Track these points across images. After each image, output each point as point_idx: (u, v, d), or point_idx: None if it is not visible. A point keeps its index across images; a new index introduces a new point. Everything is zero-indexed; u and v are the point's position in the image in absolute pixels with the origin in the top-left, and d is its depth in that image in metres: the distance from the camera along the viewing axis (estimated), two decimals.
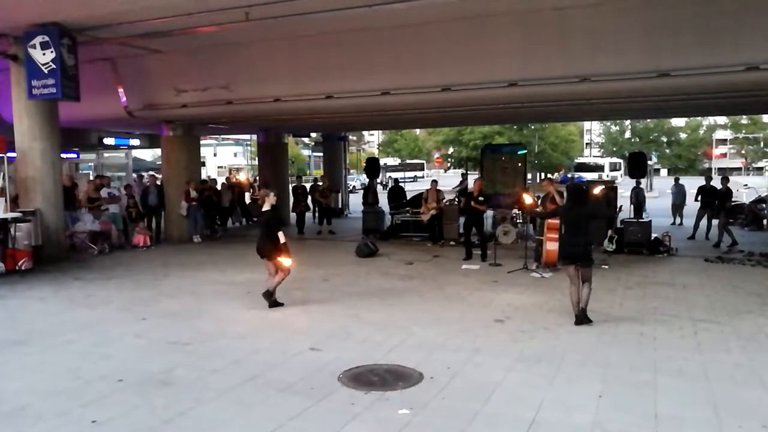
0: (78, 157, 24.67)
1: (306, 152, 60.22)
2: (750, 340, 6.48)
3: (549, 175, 27.56)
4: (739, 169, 65.39)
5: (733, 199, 16.33)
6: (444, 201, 14.87)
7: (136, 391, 5.15)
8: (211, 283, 9.86)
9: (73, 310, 8.18)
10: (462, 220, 13.11)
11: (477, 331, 6.91)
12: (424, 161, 64.85)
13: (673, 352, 6.09)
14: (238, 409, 4.78)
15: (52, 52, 10.84)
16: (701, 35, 9.60)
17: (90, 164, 27.03)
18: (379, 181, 26.29)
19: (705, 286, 9.30)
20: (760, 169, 60.06)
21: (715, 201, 14.38)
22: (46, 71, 10.99)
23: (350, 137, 33.97)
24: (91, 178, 17.93)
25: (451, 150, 52.48)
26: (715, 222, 14.41)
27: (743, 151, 65.41)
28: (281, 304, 8.12)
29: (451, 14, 10.51)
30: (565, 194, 15.59)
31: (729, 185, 14.76)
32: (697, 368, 5.62)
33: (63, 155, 14.99)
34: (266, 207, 8.14)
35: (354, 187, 28.56)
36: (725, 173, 26.34)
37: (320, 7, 9.47)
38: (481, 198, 12.10)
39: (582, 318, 7.17)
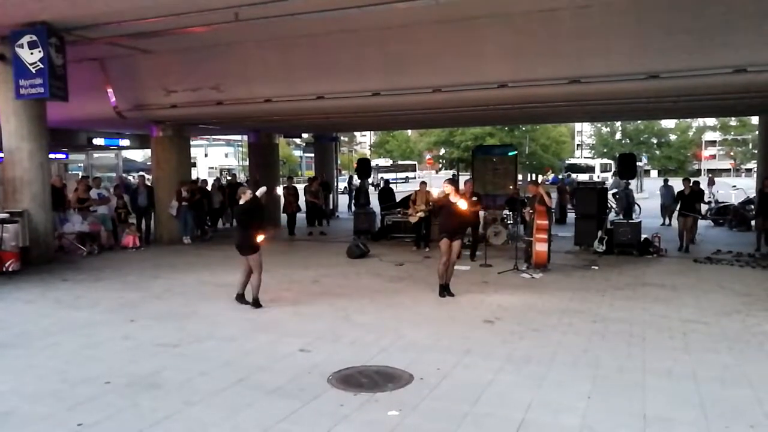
0: (67, 157, 24.50)
1: (297, 153, 60.08)
2: (737, 341, 6.52)
3: (535, 178, 27.72)
4: (729, 170, 65.93)
5: (707, 199, 16.38)
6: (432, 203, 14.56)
7: (124, 394, 5.10)
8: (200, 285, 9.80)
9: (61, 312, 8.10)
10: None
11: (467, 333, 6.90)
12: (415, 162, 64.83)
13: (662, 353, 6.12)
14: (226, 411, 4.75)
15: (39, 51, 10.74)
16: (690, 37, 9.66)
17: (79, 165, 26.86)
18: (370, 181, 26.31)
19: (694, 287, 9.34)
20: (749, 170, 60.57)
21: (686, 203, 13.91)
22: (33, 71, 10.88)
23: (342, 138, 33.95)
24: (80, 178, 17.76)
25: (442, 151, 52.55)
26: (703, 222, 14.42)
27: (732, 153, 65.95)
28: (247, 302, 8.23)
29: (441, 16, 10.52)
30: (554, 195, 15.55)
31: (699, 186, 14.46)
32: (685, 369, 5.64)
33: (51, 156, 14.86)
34: (242, 201, 8.17)
35: (345, 187, 28.49)
36: (714, 175, 26.67)
37: (310, 8, 9.45)
38: (474, 198, 12.12)
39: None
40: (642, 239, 12.84)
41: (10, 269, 10.54)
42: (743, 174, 62.33)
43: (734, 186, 25.19)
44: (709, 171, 59.63)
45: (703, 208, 16.15)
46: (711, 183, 24.90)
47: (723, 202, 20.26)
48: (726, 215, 18.45)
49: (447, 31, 11.00)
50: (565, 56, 10.48)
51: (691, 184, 13.98)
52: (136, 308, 8.24)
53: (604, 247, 12.66)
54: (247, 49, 12.54)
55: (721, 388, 5.19)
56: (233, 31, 10.78)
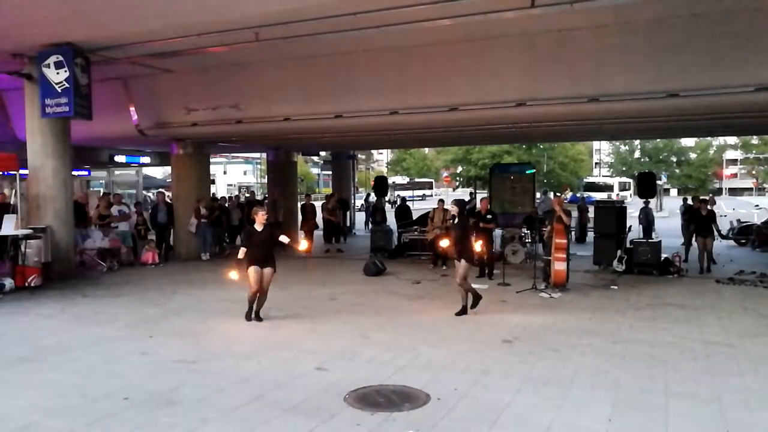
0: (89, 174, 24.88)
1: (315, 170, 60.51)
2: (763, 363, 6.37)
3: (558, 193, 27.58)
4: (750, 189, 65.02)
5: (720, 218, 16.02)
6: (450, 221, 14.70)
7: (142, 410, 5.12)
8: (218, 301, 9.85)
9: (81, 327, 8.18)
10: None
11: (485, 352, 6.84)
12: (432, 180, 64.88)
13: (684, 375, 6.01)
14: (243, 428, 4.74)
15: (65, 71, 10.98)
16: (710, 55, 9.60)
17: (101, 182, 27.24)
18: (387, 199, 26.36)
19: (716, 308, 9.19)
20: None
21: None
22: (59, 90, 11.12)
23: (359, 156, 34.13)
24: (101, 195, 18.02)
25: (459, 169, 52.59)
26: (721, 243, 13.99)
27: (754, 172, 65.07)
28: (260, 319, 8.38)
29: (459, 35, 10.59)
30: (573, 213, 15.45)
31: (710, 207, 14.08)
32: (709, 392, 5.53)
33: (74, 173, 15.12)
34: (258, 222, 8.50)
35: (362, 205, 28.61)
36: (736, 194, 26.15)
37: (329, 29, 9.56)
38: (489, 216, 12.14)
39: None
40: (662, 259, 12.67)
41: (32, 284, 10.69)
42: (766, 193, 61.39)
43: (756, 205, 24.77)
44: (731, 190, 58.83)
45: (723, 227, 15.82)
46: (712, 203, 24.27)
47: (745, 222, 19.94)
48: (748, 235, 18.15)
49: (465, 51, 11.06)
50: (584, 75, 10.47)
51: (708, 206, 13.69)
52: (154, 324, 8.30)
53: (623, 267, 12.52)
54: (266, 68, 12.71)
55: (746, 411, 5.07)
56: (253, 50, 10.94)
